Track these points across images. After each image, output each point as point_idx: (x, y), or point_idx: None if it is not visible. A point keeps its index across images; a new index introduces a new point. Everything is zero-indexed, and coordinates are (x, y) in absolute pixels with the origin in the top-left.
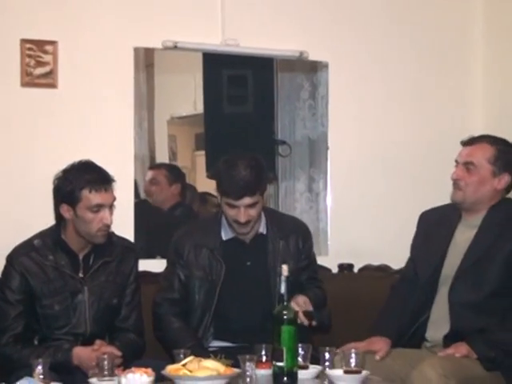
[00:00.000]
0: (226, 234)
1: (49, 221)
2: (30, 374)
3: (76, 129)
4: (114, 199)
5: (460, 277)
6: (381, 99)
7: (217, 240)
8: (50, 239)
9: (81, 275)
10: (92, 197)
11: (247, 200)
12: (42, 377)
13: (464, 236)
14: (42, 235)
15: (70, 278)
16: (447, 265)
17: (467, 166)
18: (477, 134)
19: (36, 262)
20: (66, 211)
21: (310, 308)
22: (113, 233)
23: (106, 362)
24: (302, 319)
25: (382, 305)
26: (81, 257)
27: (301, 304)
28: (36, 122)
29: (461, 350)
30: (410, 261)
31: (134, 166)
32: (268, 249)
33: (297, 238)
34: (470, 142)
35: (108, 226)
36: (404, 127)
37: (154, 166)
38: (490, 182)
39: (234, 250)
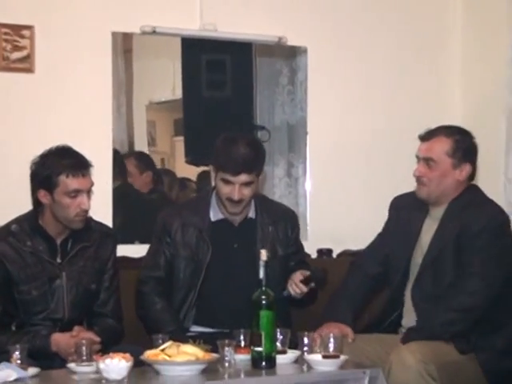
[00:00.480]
0: (214, 215)
1: (26, 206)
2: (8, 359)
3: (53, 114)
4: (92, 184)
5: (422, 272)
6: (360, 84)
7: (205, 220)
8: (28, 224)
9: (59, 260)
10: (69, 182)
11: (244, 177)
12: (19, 362)
13: (429, 228)
14: (19, 220)
15: (47, 263)
16: (415, 257)
17: (427, 161)
18: (456, 121)
19: (13, 248)
20: (44, 196)
21: (307, 273)
22: (91, 218)
23: (84, 348)
24: (303, 289)
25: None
26: (58, 242)
27: (298, 277)
28: (13, 107)
29: None
30: (379, 239)
31: (113, 151)
32: (257, 233)
33: (286, 224)
34: (427, 137)
35: (86, 211)
36: (383, 113)
37: (123, 155)
38: (452, 175)
39: (222, 232)
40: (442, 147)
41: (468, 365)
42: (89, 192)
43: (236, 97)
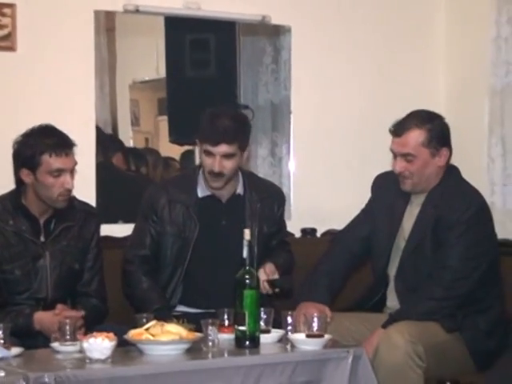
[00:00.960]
0: (202, 191)
1: (8, 185)
2: None
3: (35, 93)
4: (75, 164)
5: (404, 261)
6: (344, 63)
7: (192, 197)
8: (10, 203)
9: (42, 240)
10: (52, 161)
11: (224, 147)
12: (2, 342)
13: (411, 214)
14: (1, 199)
15: (30, 242)
16: (397, 242)
17: (405, 157)
18: (439, 101)
19: None
20: (27, 176)
21: (276, 276)
22: (74, 197)
23: (67, 327)
24: (267, 288)
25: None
26: (42, 222)
27: (267, 273)
28: None
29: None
30: (362, 217)
31: (96, 130)
32: (245, 210)
33: (273, 202)
34: (399, 132)
35: (69, 191)
36: (367, 91)
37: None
38: (432, 163)
39: (209, 208)
40: (416, 140)
41: (454, 345)
42: (72, 171)
43: (220, 76)
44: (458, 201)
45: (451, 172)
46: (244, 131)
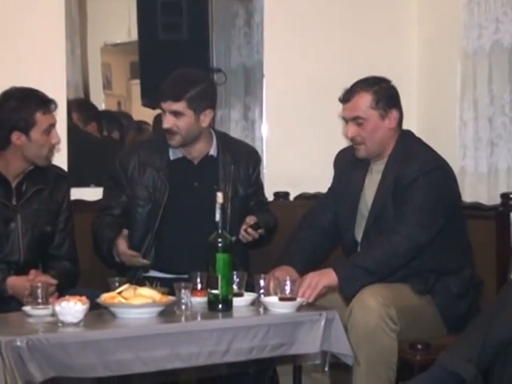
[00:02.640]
0: (173, 154)
1: None
2: None
3: (5, 56)
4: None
5: (369, 229)
6: (317, 27)
7: (163, 159)
8: None
9: (14, 203)
10: (45, 119)
11: (171, 104)
12: None
13: (371, 183)
14: None
15: (2, 205)
16: (361, 214)
17: (356, 121)
18: (412, 64)
19: None
20: (18, 138)
21: (255, 220)
22: None
23: (39, 291)
24: (251, 233)
25: None
26: (14, 185)
27: (247, 222)
28: None
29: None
30: (329, 193)
31: (67, 93)
32: (218, 172)
33: (247, 163)
34: (347, 98)
35: (56, 145)
36: (339, 56)
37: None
38: (383, 126)
39: (180, 170)
40: (364, 102)
41: (426, 308)
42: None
43: (192, 39)
44: (413, 160)
45: (406, 136)
46: (197, 92)
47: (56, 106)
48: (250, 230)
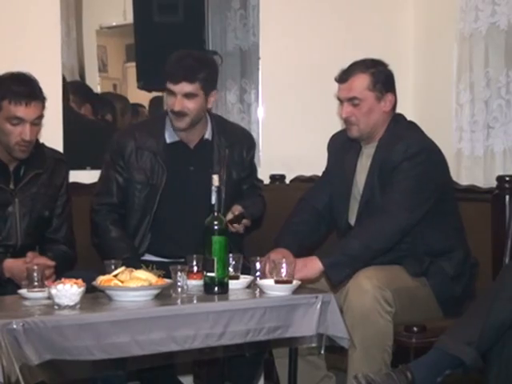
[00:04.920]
0: (170, 137)
1: None
2: None
3: (0, 38)
4: (39, 116)
5: (360, 214)
6: (313, 9)
7: (160, 143)
8: None
9: (12, 187)
10: (12, 108)
11: (185, 86)
12: None
13: (363, 167)
14: None
15: (0, 190)
16: (354, 198)
17: (352, 101)
18: (408, 47)
19: None
20: None
21: (240, 210)
22: (43, 144)
23: (35, 273)
24: (236, 227)
25: None
26: (11, 168)
27: (233, 212)
28: None
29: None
30: (323, 178)
31: (62, 76)
32: (213, 155)
33: (242, 146)
34: (344, 78)
35: (27, 142)
36: (335, 38)
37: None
38: (378, 108)
39: (177, 154)
40: (361, 83)
41: (422, 291)
42: (35, 123)
43: (188, 21)
44: (398, 143)
45: (397, 119)
46: (208, 73)
47: (36, 102)
48: (235, 225)
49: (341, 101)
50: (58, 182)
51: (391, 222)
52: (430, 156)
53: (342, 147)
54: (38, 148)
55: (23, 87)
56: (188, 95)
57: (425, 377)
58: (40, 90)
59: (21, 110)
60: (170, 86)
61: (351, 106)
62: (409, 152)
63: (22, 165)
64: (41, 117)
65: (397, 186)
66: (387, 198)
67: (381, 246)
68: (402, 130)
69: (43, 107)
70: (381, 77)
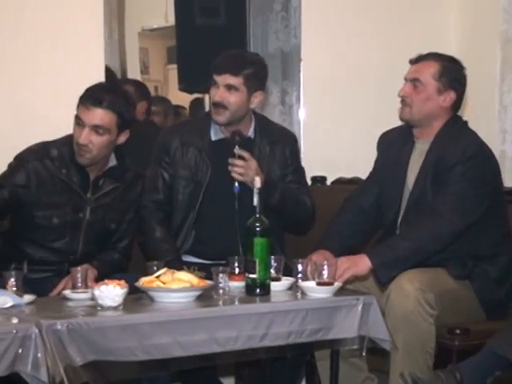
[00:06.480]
0: (215, 134)
1: None
2: (4, 286)
3: (44, 41)
4: (101, 126)
5: (408, 211)
6: (355, 10)
7: (205, 140)
8: (67, 152)
9: (88, 196)
10: (79, 108)
11: (227, 77)
12: (14, 289)
13: (415, 164)
14: (59, 144)
15: (76, 195)
16: (404, 195)
17: (414, 82)
18: (451, 47)
19: (47, 170)
20: None
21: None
22: (125, 157)
23: (79, 275)
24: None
25: None
26: (92, 178)
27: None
28: (2, 32)
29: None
30: (371, 176)
31: (105, 77)
32: (254, 153)
33: (284, 145)
34: (417, 60)
35: (82, 146)
36: (377, 38)
37: (121, 80)
38: (436, 99)
39: (221, 152)
40: (429, 69)
41: (465, 293)
42: (97, 132)
43: (229, 23)
44: (455, 144)
45: (457, 121)
46: (254, 71)
47: (96, 107)
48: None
49: (406, 80)
50: (132, 197)
51: (444, 226)
52: (486, 159)
53: (394, 144)
54: (120, 162)
55: (90, 92)
56: (230, 87)
57: (474, 378)
58: (113, 101)
59: (82, 112)
60: (214, 77)
61: (411, 87)
62: (466, 154)
63: (103, 177)
64: (105, 128)
65: (451, 188)
66: (441, 199)
67: (432, 249)
68: (458, 130)
69: (113, 120)
70: (450, 72)
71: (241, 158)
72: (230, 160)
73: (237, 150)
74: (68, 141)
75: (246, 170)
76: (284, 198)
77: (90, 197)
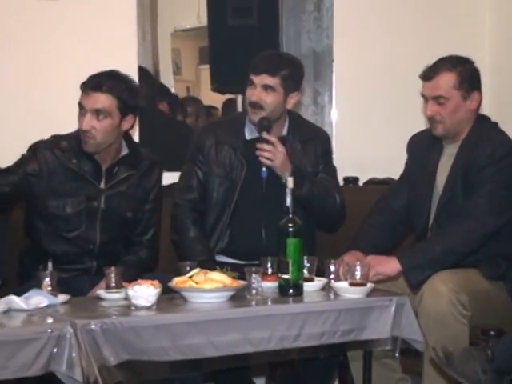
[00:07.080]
0: (249, 133)
1: None
2: (39, 285)
3: (78, 41)
4: (101, 110)
5: (439, 214)
6: (387, 10)
7: (240, 139)
8: (76, 144)
9: (102, 186)
10: (80, 96)
11: (265, 78)
12: (50, 289)
13: (444, 168)
14: (69, 138)
15: (89, 184)
16: (434, 198)
17: (437, 100)
18: (485, 50)
19: (58, 159)
20: None
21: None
22: (139, 145)
23: (113, 275)
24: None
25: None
26: (104, 168)
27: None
28: (37, 33)
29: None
30: (401, 179)
31: (138, 78)
32: (286, 150)
33: (315, 144)
34: (430, 75)
35: (85, 132)
36: (410, 38)
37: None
38: (464, 107)
39: (255, 150)
40: (448, 82)
41: (498, 295)
42: (98, 117)
43: (262, 24)
44: (485, 145)
45: (482, 120)
46: (291, 72)
47: (96, 92)
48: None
49: (425, 98)
50: (149, 185)
51: (476, 227)
52: None
53: (423, 147)
54: (134, 149)
55: (96, 77)
56: (267, 87)
57: (506, 357)
58: (113, 85)
59: (83, 98)
60: (251, 77)
61: (436, 105)
62: (496, 154)
63: (116, 165)
64: (106, 111)
65: (482, 189)
66: (472, 201)
67: (464, 251)
68: (487, 131)
69: (113, 104)
70: (467, 75)
71: (269, 142)
72: (258, 145)
73: (264, 135)
74: (78, 134)
75: (273, 154)
76: (313, 190)
77: (104, 187)
